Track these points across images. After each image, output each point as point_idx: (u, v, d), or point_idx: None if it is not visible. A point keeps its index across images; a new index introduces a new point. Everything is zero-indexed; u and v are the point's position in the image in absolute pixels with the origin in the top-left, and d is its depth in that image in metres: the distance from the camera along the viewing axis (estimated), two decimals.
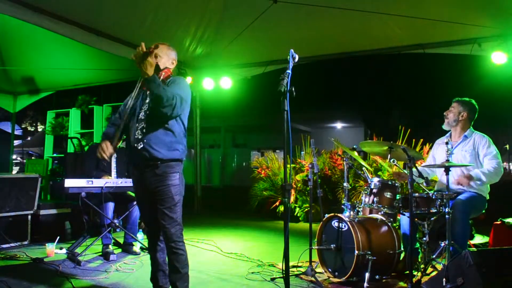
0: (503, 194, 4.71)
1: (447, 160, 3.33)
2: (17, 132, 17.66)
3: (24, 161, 12.20)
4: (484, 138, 3.72)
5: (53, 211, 5.17)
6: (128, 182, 4.39)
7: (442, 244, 3.26)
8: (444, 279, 2.72)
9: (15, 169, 13.18)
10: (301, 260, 3.82)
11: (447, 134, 3.94)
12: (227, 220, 7.10)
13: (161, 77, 2.74)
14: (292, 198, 7.05)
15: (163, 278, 2.86)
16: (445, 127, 3.90)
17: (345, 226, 3.43)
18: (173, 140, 2.71)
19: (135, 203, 4.57)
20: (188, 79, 7.15)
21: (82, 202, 4.16)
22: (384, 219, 3.58)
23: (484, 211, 3.72)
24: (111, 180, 4.31)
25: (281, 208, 7.02)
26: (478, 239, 4.52)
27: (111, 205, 4.44)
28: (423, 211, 3.38)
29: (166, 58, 2.82)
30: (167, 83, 2.75)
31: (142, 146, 2.68)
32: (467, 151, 3.72)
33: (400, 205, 3.48)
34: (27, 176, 5.05)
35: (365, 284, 3.18)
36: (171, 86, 2.71)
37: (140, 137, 2.69)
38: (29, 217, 4.93)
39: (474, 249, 2.71)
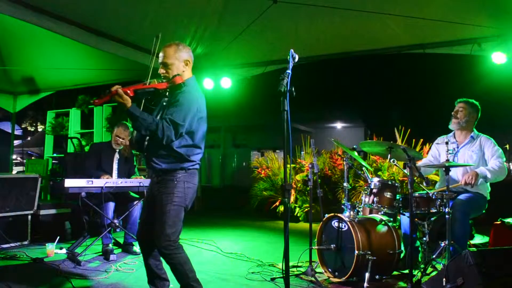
0: (503, 194, 4.71)
1: (447, 160, 3.34)
2: (17, 132, 17.66)
3: (24, 161, 12.19)
4: (490, 140, 3.79)
5: (53, 211, 5.17)
6: (128, 182, 4.39)
7: (442, 244, 3.26)
8: (444, 279, 2.72)
9: (15, 169, 13.17)
10: (301, 260, 3.82)
11: (449, 134, 3.96)
12: (227, 220, 7.10)
13: (170, 86, 2.64)
14: (292, 198, 7.05)
15: (158, 282, 2.79)
16: (452, 127, 3.91)
17: (345, 226, 3.43)
18: (170, 153, 2.61)
19: (135, 203, 4.57)
20: None
21: (82, 202, 4.16)
22: (384, 219, 3.59)
23: (484, 211, 3.73)
24: (111, 180, 4.31)
25: (281, 208, 7.03)
26: (478, 239, 4.52)
27: (111, 205, 4.43)
28: (423, 211, 3.38)
29: (177, 63, 2.65)
30: (175, 95, 2.64)
31: (146, 154, 2.69)
32: (474, 151, 3.77)
33: (400, 205, 3.48)
34: (27, 176, 5.05)
35: (365, 284, 3.18)
36: (171, 107, 2.58)
37: (146, 144, 2.67)
38: (29, 217, 4.93)
39: (474, 249, 2.71)
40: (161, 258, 2.73)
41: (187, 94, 2.63)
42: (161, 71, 2.67)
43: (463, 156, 3.79)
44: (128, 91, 2.49)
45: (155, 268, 2.77)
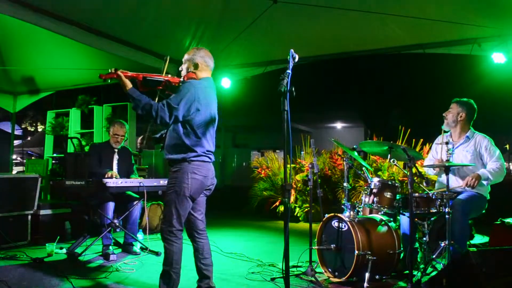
0: (503, 194, 4.71)
1: (447, 160, 3.34)
2: (17, 132, 17.64)
3: (24, 161, 12.18)
4: (486, 139, 3.76)
5: (53, 211, 5.17)
6: (128, 182, 4.39)
7: (442, 244, 3.26)
8: (444, 279, 2.73)
9: (15, 169, 13.16)
10: (301, 260, 3.82)
11: (447, 134, 3.96)
12: (227, 220, 7.10)
13: (181, 81, 2.96)
14: (292, 198, 7.05)
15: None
16: (445, 127, 3.94)
17: (345, 226, 3.43)
18: (177, 143, 2.85)
19: (135, 203, 4.57)
20: None
21: (82, 202, 4.16)
22: (384, 219, 3.58)
23: (484, 211, 3.73)
24: (111, 180, 4.30)
25: (281, 208, 7.03)
26: (478, 239, 4.52)
27: (111, 205, 4.43)
28: (423, 211, 3.38)
29: (188, 64, 3.02)
30: (179, 87, 2.91)
31: (162, 145, 2.97)
32: (468, 151, 3.75)
33: (400, 205, 3.48)
34: (27, 176, 5.05)
35: (365, 284, 3.18)
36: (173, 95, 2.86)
37: (164, 137, 2.98)
38: (29, 217, 4.93)
39: (474, 249, 2.71)
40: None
41: (187, 84, 2.88)
42: (180, 68, 3.05)
43: (458, 156, 3.78)
44: (138, 76, 2.86)
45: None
